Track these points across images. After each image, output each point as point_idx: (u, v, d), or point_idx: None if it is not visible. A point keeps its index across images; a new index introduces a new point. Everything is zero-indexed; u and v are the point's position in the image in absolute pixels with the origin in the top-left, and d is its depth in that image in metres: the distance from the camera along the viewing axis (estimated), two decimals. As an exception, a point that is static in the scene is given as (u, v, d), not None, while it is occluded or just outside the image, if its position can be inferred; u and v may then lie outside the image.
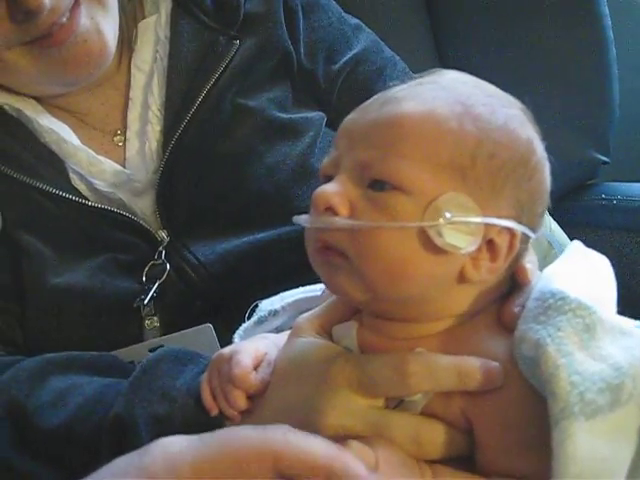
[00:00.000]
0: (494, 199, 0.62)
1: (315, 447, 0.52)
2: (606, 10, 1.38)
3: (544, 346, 0.56)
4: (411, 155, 0.61)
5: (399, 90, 0.66)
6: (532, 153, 0.64)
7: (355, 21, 1.18)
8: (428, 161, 0.61)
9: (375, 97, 0.67)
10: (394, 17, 1.41)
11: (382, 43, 1.18)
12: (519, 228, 0.62)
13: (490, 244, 0.62)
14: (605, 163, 1.45)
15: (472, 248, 0.61)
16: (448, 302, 0.64)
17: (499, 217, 0.61)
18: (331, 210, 0.62)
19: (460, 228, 0.60)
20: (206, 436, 0.56)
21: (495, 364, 0.60)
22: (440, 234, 0.60)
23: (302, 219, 0.64)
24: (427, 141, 0.61)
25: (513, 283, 0.66)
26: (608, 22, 1.38)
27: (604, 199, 1.40)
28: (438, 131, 0.61)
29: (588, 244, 0.70)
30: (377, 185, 0.61)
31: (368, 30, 1.19)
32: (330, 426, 0.61)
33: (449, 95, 0.64)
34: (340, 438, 0.58)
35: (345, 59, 1.12)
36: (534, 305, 0.60)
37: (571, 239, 1.20)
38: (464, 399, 0.61)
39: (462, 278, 0.62)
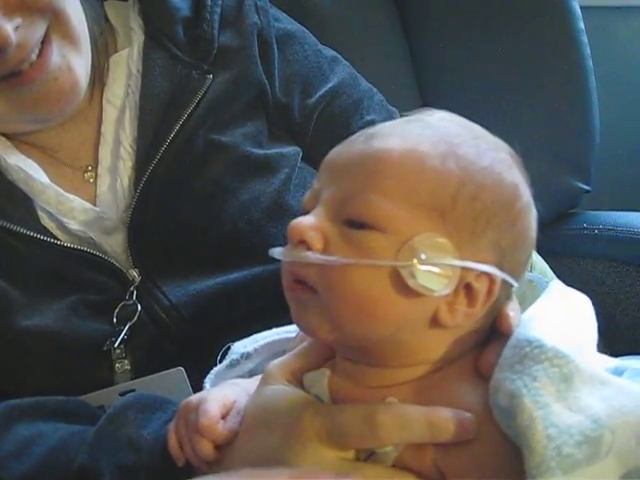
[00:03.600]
0: (473, 242, 0.60)
1: (282, 474, 0.53)
2: (585, 39, 1.38)
3: (520, 397, 0.54)
4: (389, 193, 0.60)
5: (386, 126, 0.65)
6: (517, 198, 0.63)
7: (332, 53, 1.16)
8: (407, 200, 0.59)
9: (362, 132, 0.66)
10: (372, 48, 1.41)
11: (359, 75, 1.17)
12: (499, 274, 0.61)
13: (468, 289, 0.60)
14: (587, 192, 1.44)
15: (446, 291, 0.59)
16: (422, 347, 0.62)
17: (478, 261, 0.60)
18: (305, 244, 0.61)
19: (434, 270, 0.58)
20: None
21: (468, 415, 0.58)
22: (413, 275, 0.58)
23: (276, 252, 0.63)
24: (407, 179, 0.60)
25: (492, 330, 0.65)
26: (587, 51, 1.38)
27: (586, 228, 1.39)
28: (419, 169, 0.60)
29: (569, 273, 0.69)
30: (353, 223, 0.60)
31: (345, 62, 1.17)
32: None
33: (435, 133, 0.63)
34: None
35: (321, 93, 1.10)
36: (510, 353, 0.58)
37: (552, 268, 1.20)
38: (436, 451, 0.59)
39: (436, 322, 0.61)
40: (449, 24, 1.42)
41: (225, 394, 0.71)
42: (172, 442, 0.70)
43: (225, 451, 0.67)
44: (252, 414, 0.67)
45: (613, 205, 1.45)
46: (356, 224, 0.60)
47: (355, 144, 0.64)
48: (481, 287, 0.60)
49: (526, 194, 0.64)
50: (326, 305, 0.60)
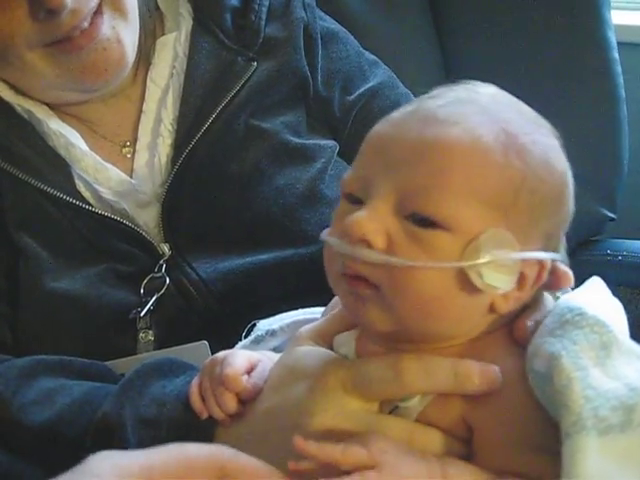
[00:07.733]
0: (528, 233, 0.60)
1: (260, 466, 0.54)
2: (619, 69, 1.40)
3: (559, 358, 0.54)
4: (456, 190, 0.58)
5: (439, 107, 0.62)
6: (565, 186, 0.63)
7: (372, 57, 1.19)
8: (474, 196, 0.58)
9: (410, 110, 0.63)
10: (410, 57, 1.42)
11: (398, 80, 1.19)
12: (548, 257, 0.61)
13: (521, 276, 0.60)
14: (612, 220, 1.44)
15: (510, 287, 0.59)
16: (470, 330, 0.63)
17: (530, 249, 0.60)
18: (366, 242, 0.59)
19: (499, 268, 0.58)
20: (155, 447, 0.56)
21: (493, 367, 0.58)
22: (480, 275, 0.58)
23: (332, 240, 0.61)
24: (474, 175, 0.59)
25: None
26: (620, 81, 1.39)
27: (609, 255, 1.39)
28: (484, 164, 0.59)
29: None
30: (418, 219, 0.58)
31: (385, 67, 1.19)
32: (321, 427, 0.60)
33: (492, 120, 0.61)
34: (330, 439, 0.56)
35: (360, 91, 1.12)
36: (551, 320, 0.59)
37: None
38: (464, 404, 0.59)
39: (491, 310, 0.61)
40: (486, 37, 1.43)
41: (251, 353, 0.72)
42: (194, 395, 0.70)
43: (248, 407, 0.68)
44: (278, 371, 0.68)
45: (636, 233, 1.45)
46: (422, 221, 0.58)
47: (409, 128, 0.61)
48: (532, 273, 0.60)
49: (571, 179, 0.64)
50: (389, 303, 0.59)
